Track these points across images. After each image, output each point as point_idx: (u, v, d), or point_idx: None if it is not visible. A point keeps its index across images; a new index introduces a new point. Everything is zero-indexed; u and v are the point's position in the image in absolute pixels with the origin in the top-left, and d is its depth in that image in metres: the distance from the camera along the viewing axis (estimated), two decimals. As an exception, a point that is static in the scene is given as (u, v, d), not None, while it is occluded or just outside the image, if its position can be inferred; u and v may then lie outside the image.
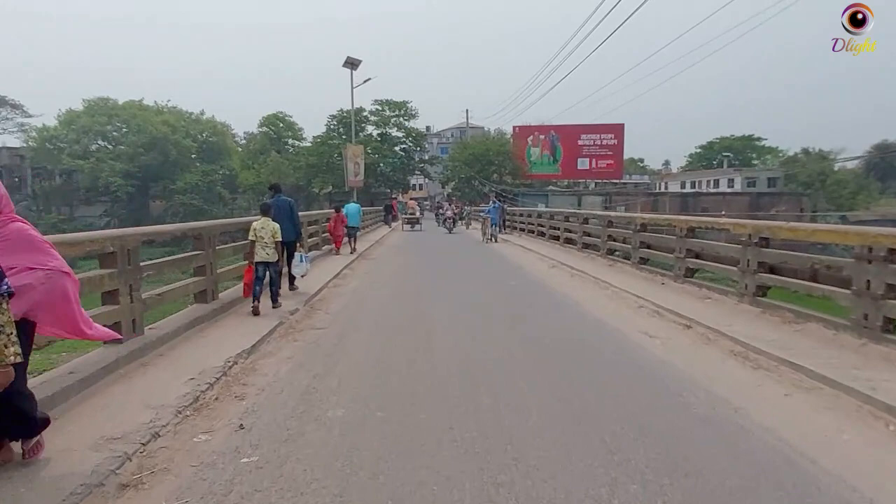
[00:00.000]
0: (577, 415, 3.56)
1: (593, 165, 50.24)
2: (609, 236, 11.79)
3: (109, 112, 43.95)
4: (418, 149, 52.69)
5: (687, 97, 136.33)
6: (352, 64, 29.16)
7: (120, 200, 42.83)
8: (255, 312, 6.40)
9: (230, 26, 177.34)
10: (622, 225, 11.73)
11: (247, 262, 6.65)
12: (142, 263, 4.90)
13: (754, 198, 40.91)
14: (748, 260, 6.56)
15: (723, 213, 30.67)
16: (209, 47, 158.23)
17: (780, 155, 60.52)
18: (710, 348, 5.25)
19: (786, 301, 6.16)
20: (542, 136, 50.54)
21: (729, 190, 47.72)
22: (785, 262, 6.30)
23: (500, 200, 22.51)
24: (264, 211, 6.91)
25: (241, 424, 3.37)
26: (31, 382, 3.55)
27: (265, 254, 6.60)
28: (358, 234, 16.13)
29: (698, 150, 66.24)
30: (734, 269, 6.92)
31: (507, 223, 22.55)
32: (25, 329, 2.46)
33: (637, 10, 15.71)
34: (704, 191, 50.07)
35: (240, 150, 54.55)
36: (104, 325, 4.25)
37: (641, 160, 78.84)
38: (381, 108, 49.90)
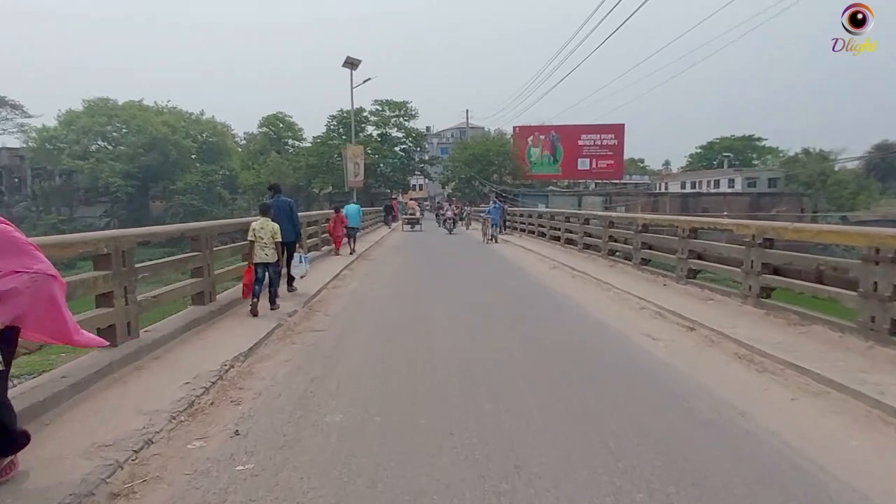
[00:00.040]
0: (579, 419, 3.49)
1: (593, 166, 50.18)
2: (610, 237, 11.71)
3: (109, 112, 43.88)
4: (418, 149, 52.63)
5: (687, 97, 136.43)
6: (351, 64, 29.08)
7: (120, 201, 42.77)
8: (254, 312, 6.34)
9: (230, 26, 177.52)
10: (623, 225, 11.65)
11: (245, 262, 6.58)
12: (137, 265, 4.83)
13: (755, 198, 40.82)
14: (752, 261, 6.48)
15: (725, 213, 30.63)
16: (209, 47, 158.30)
17: (781, 155, 60.43)
18: (714, 351, 5.18)
19: (790, 303, 6.09)
20: (542, 137, 50.48)
21: (729, 190, 47.61)
22: (789, 264, 6.23)
23: (500, 201, 22.43)
24: (263, 211, 6.84)
25: (237, 430, 3.29)
26: (23, 387, 3.49)
27: (264, 254, 6.53)
28: (358, 234, 16.06)
29: (698, 151, 66.16)
30: (737, 270, 6.84)
31: (508, 224, 22.49)
32: (7, 336, 2.37)
33: (637, 10, 15.67)
34: (705, 191, 50.01)
35: (240, 150, 54.50)
36: (98, 328, 4.21)
37: (642, 160, 78.84)
38: (381, 109, 49.85)
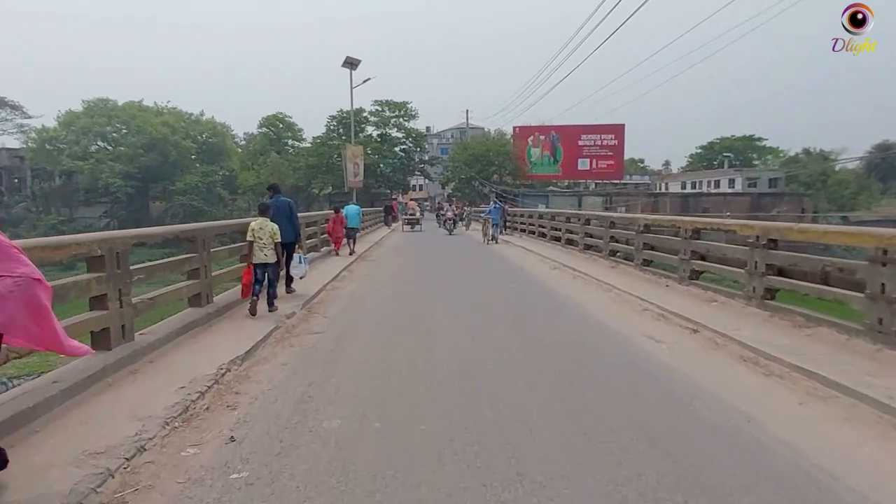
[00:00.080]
0: (582, 424, 3.41)
1: (594, 166, 50.12)
2: (611, 237, 11.64)
3: (109, 113, 43.82)
4: (418, 149, 52.60)
5: (687, 97, 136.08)
6: (351, 64, 28.99)
7: (120, 202, 42.71)
8: (253, 311, 6.28)
9: (230, 26, 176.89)
10: (625, 226, 11.57)
11: (244, 264, 6.50)
12: (132, 267, 4.75)
13: (755, 198, 40.75)
14: (756, 262, 6.40)
15: (727, 213, 30.53)
16: (209, 47, 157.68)
17: (781, 155, 60.38)
18: (718, 353, 5.09)
19: (795, 304, 6.00)
20: (542, 137, 50.42)
21: (730, 190, 47.52)
22: (794, 265, 6.14)
23: (500, 201, 22.35)
24: (262, 211, 6.77)
25: (232, 436, 3.21)
26: (13, 392, 3.41)
27: (263, 255, 6.46)
28: (357, 235, 15.99)
29: (699, 151, 66.06)
30: (741, 271, 6.76)
31: (508, 224, 22.42)
32: None
33: (637, 10, 15.60)
34: (705, 191, 49.92)
35: (239, 150, 54.47)
36: (92, 332, 4.13)
37: (642, 160, 78.73)
38: (380, 109, 49.82)
